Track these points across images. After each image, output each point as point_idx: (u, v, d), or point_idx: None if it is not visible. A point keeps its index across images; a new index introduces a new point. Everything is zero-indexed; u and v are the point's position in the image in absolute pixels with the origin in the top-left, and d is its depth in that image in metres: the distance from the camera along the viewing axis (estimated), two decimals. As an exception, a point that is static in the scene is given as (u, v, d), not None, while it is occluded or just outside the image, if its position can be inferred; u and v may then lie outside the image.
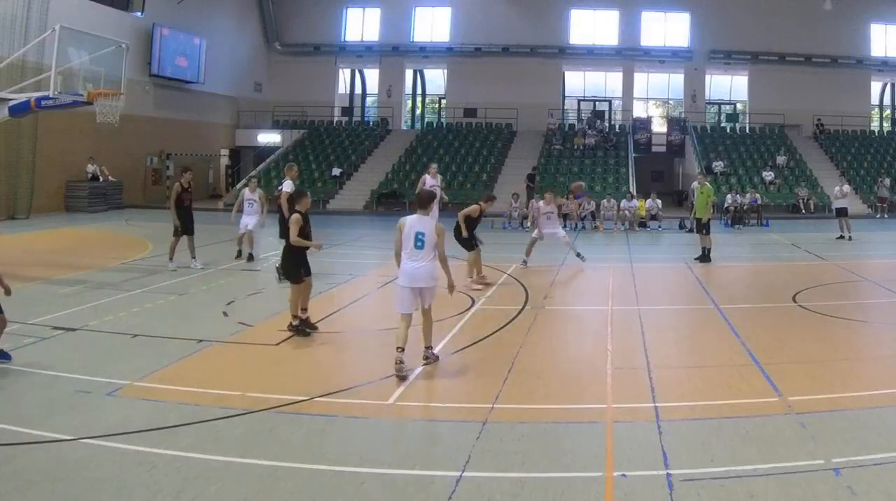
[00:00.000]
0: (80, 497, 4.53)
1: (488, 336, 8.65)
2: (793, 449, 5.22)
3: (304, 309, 8.68)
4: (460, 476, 4.82)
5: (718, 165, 29.70)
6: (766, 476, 4.77)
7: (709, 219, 15.30)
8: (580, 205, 23.64)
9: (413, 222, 7.02)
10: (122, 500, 4.51)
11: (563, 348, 8.67)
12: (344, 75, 39.38)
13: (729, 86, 37.45)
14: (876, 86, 36.28)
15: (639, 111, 37.20)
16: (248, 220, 14.20)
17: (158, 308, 10.11)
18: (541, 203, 14.57)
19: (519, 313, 9.93)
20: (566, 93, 37.57)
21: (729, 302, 10.88)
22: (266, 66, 37.59)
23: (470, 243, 11.99)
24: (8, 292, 7.17)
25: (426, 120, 39.74)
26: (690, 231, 21.75)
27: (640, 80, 37.29)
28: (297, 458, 5.11)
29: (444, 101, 38.31)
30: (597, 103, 37.42)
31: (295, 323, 8.57)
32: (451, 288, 7.27)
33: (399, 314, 7.11)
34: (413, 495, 4.64)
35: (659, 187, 28.26)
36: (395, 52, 37.00)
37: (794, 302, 10.75)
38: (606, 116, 36.25)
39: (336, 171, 30.66)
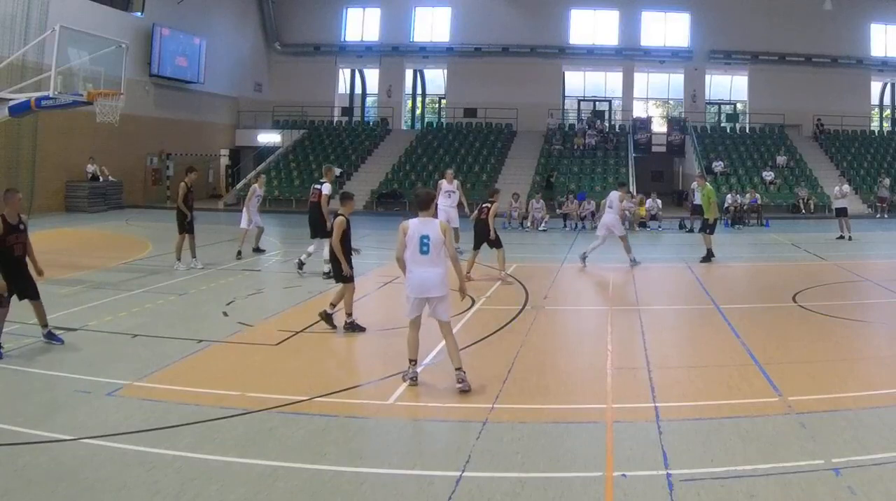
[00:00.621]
0: (80, 497, 4.53)
1: (488, 336, 8.65)
2: (793, 449, 5.21)
3: (334, 306, 8.87)
4: (460, 476, 4.81)
5: (718, 165, 29.70)
6: (766, 476, 4.77)
7: (715, 220, 15.50)
8: (580, 206, 23.69)
9: (417, 226, 6.57)
10: (122, 500, 4.51)
11: (563, 348, 8.67)
12: (344, 75, 39.38)
13: (729, 86, 37.44)
14: (876, 86, 36.28)
15: (639, 111, 37.20)
16: (258, 217, 15.19)
17: (158, 308, 10.11)
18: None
19: (519, 313, 9.93)
20: (566, 93, 37.57)
21: (729, 302, 10.88)
22: (266, 66, 37.59)
23: (499, 241, 12.58)
24: (40, 273, 7.74)
25: (426, 120, 39.74)
26: (690, 231, 21.83)
27: (640, 79, 37.29)
28: (297, 458, 5.11)
29: (444, 101, 38.31)
30: (597, 103, 37.43)
31: (349, 320, 8.76)
32: (462, 291, 6.86)
33: (408, 320, 6.77)
34: (413, 495, 4.64)
35: (659, 187, 28.27)
36: (395, 52, 37.00)
37: (794, 302, 10.74)
38: (606, 116, 36.25)
39: (336, 171, 30.59)
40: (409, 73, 38.52)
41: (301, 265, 12.80)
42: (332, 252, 8.95)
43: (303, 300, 10.82)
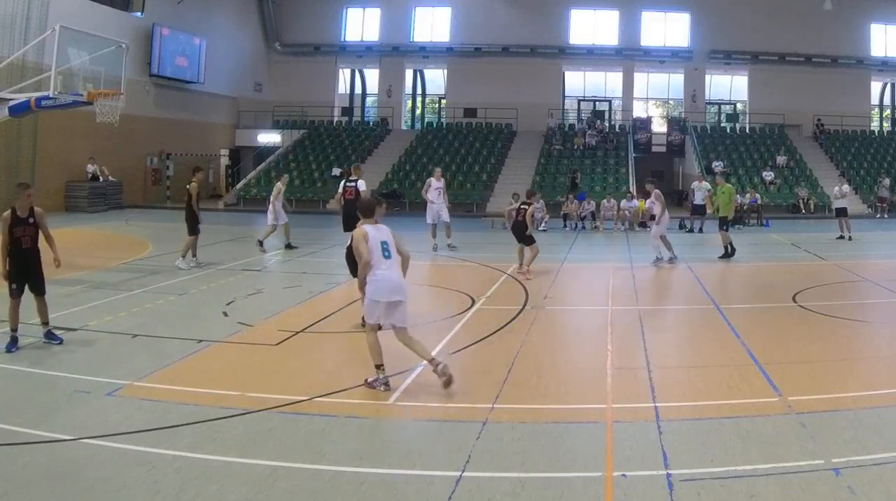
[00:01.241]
0: (80, 497, 4.53)
1: (488, 336, 8.64)
2: (793, 449, 5.21)
3: None
4: (460, 476, 4.81)
5: (718, 165, 29.69)
6: (766, 476, 4.76)
7: (726, 217, 15.90)
8: (580, 206, 23.67)
9: (374, 232, 6.64)
10: (122, 500, 4.51)
11: (563, 348, 8.67)
12: (344, 75, 39.37)
13: (729, 87, 37.43)
14: (876, 87, 36.27)
15: (639, 111, 37.18)
16: (283, 214, 16.22)
17: (158, 308, 10.11)
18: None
19: (519, 313, 9.93)
20: (566, 94, 37.56)
21: (729, 302, 10.89)
22: (266, 66, 37.58)
23: (531, 239, 13.43)
24: (57, 264, 8.11)
25: (426, 120, 39.73)
26: (690, 231, 21.82)
27: (640, 79, 37.28)
28: (297, 458, 5.11)
29: (444, 101, 38.30)
30: (597, 103, 37.42)
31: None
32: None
33: (367, 327, 6.77)
34: (413, 495, 4.64)
35: (659, 187, 28.17)
36: (395, 52, 36.99)
37: (794, 302, 10.74)
38: (606, 116, 36.23)
39: (336, 171, 30.60)
40: (409, 73, 38.51)
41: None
42: (349, 253, 9.06)
43: (303, 300, 10.82)
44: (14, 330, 7.71)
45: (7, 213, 7.75)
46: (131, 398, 6.32)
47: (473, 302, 10.56)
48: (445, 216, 16.81)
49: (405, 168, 30.85)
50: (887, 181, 27.11)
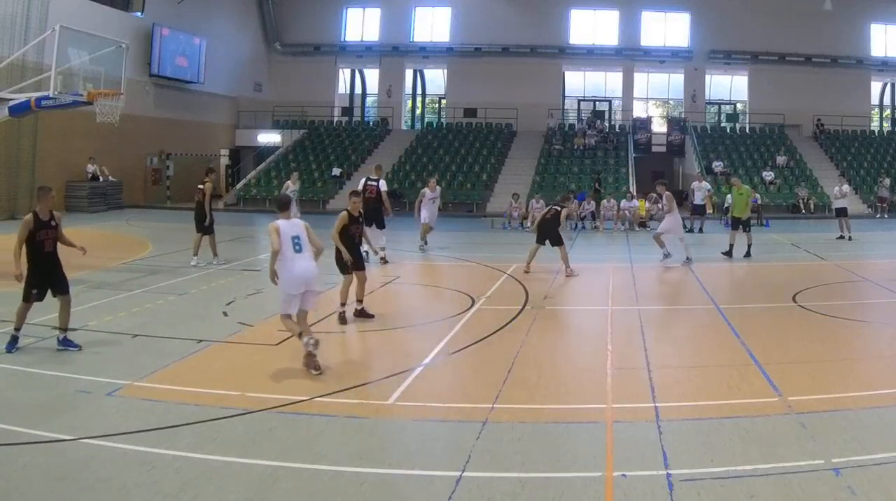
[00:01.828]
0: (80, 497, 4.53)
1: (488, 336, 8.64)
2: (793, 449, 5.21)
3: (360, 302, 9.58)
4: (460, 476, 4.82)
5: (718, 165, 29.70)
6: (766, 476, 4.77)
7: (748, 218, 16.14)
8: (580, 206, 23.66)
9: (286, 227, 7.20)
10: (122, 500, 4.51)
11: (563, 348, 8.67)
12: (344, 75, 39.35)
13: (729, 86, 37.42)
14: (876, 86, 36.24)
15: (639, 111, 37.15)
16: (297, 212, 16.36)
17: (158, 308, 10.11)
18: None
19: (519, 313, 9.93)
20: (566, 94, 37.54)
21: (729, 302, 10.89)
22: (266, 66, 37.56)
23: (560, 239, 13.57)
24: (83, 251, 8.34)
25: (426, 120, 39.71)
26: (690, 230, 21.79)
27: (640, 79, 37.25)
28: (297, 458, 5.11)
29: (444, 101, 38.29)
30: (597, 103, 37.40)
31: (358, 308, 9.52)
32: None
33: (281, 315, 7.33)
34: (413, 495, 4.65)
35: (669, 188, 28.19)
36: (395, 52, 36.97)
37: (795, 302, 10.74)
38: (606, 116, 36.22)
39: (336, 171, 30.64)
40: (409, 73, 38.49)
41: (383, 259, 14.03)
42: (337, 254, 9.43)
43: (303, 300, 10.80)
44: (17, 329, 7.72)
45: (29, 217, 7.80)
46: (131, 398, 6.33)
47: (473, 302, 10.56)
48: (433, 221, 16.81)
49: (405, 168, 30.84)
50: (887, 181, 27.11)
